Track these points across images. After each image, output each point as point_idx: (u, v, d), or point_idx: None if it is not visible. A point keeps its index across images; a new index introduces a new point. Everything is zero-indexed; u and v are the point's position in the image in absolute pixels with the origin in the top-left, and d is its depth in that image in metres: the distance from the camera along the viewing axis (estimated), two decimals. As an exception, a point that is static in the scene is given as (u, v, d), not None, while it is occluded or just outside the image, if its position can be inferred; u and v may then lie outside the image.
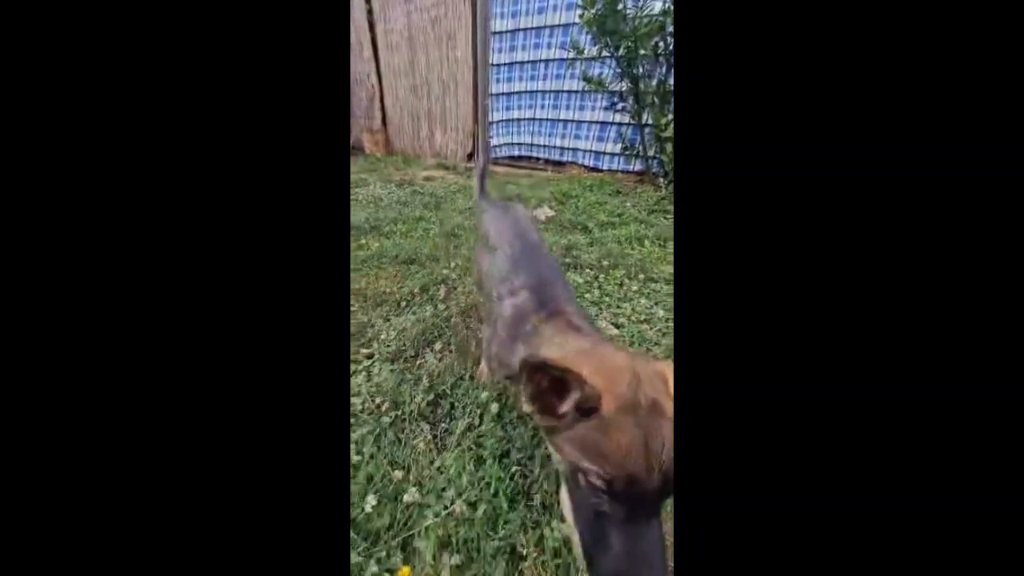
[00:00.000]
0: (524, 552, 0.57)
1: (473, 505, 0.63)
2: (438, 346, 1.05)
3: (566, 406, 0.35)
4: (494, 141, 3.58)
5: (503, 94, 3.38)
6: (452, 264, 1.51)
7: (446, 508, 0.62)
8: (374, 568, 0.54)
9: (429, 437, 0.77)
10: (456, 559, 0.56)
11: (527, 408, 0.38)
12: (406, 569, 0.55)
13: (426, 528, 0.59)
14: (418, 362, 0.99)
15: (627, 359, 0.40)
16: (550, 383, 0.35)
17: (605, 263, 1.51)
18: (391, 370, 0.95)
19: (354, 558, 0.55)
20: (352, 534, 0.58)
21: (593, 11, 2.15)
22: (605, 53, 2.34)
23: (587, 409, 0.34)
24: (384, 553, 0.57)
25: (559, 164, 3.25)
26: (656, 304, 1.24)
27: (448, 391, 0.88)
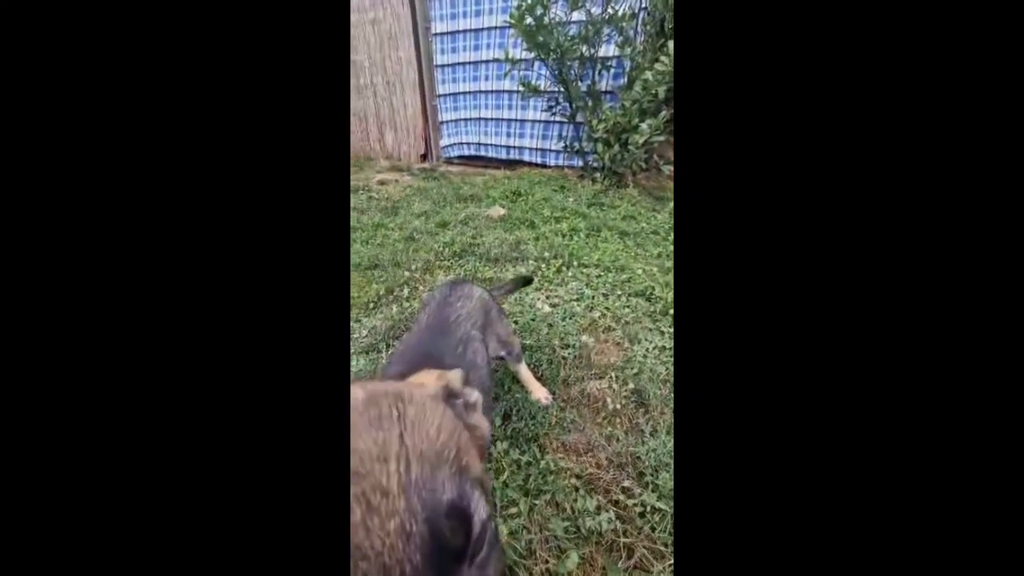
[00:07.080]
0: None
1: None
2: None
3: None
4: (444, 141, 3.69)
5: (450, 94, 3.48)
6: (413, 267, 1.71)
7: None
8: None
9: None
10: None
11: None
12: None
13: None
14: (390, 351, 1.20)
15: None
16: None
17: (547, 255, 1.78)
18: (367, 360, 1.16)
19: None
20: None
21: (523, 25, 2.36)
22: (539, 59, 2.57)
23: None
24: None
25: (511, 163, 3.44)
26: (586, 286, 1.53)
27: (416, 371, 1.11)
